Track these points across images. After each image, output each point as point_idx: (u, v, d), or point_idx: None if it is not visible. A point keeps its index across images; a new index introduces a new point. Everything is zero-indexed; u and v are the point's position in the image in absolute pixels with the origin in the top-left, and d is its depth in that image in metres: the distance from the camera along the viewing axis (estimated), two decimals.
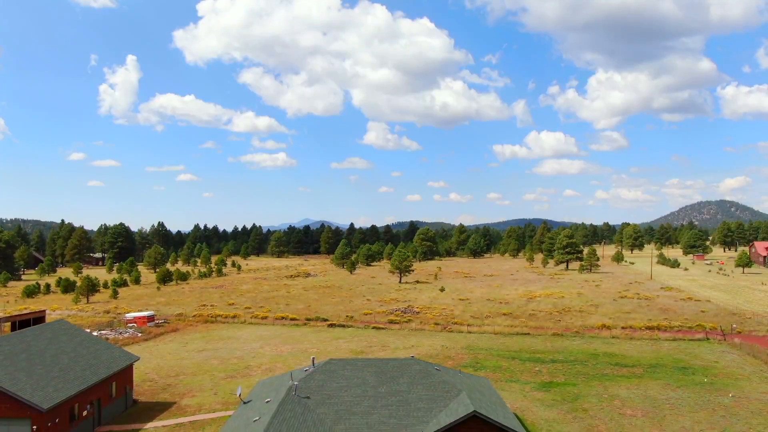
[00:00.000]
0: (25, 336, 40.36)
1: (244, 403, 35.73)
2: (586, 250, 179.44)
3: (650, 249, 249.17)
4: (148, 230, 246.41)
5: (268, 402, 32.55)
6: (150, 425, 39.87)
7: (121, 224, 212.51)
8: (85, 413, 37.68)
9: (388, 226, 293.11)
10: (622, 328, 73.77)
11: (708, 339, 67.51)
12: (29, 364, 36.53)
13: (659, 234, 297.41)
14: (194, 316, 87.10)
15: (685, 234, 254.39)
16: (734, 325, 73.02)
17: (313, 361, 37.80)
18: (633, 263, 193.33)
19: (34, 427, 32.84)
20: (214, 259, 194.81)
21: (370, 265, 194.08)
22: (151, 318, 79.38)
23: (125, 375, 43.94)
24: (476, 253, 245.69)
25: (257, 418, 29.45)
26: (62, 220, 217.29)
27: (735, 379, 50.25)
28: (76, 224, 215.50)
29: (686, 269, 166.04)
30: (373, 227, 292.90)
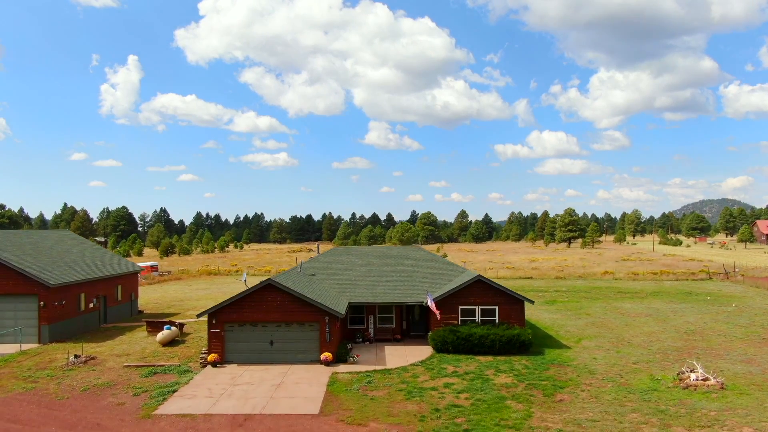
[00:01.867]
0: (31, 234, 40.59)
1: None
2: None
3: (651, 236, 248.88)
4: (150, 215, 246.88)
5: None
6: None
7: (124, 207, 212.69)
8: (91, 305, 37.86)
9: (389, 213, 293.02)
10: (625, 273, 73.82)
11: (711, 278, 67.57)
12: (36, 253, 36.76)
13: (661, 222, 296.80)
14: (198, 270, 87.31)
15: (686, 219, 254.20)
16: (737, 269, 73.07)
17: (318, 247, 38.00)
18: (635, 243, 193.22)
19: (42, 303, 33.00)
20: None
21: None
22: (154, 267, 79.59)
23: (131, 282, 44.14)
24: (478, 239, 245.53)
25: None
26: (64, 204, 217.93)
27: (737, 298, 50.34)
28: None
29: (688, 246, 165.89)
30: (375, 215, 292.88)
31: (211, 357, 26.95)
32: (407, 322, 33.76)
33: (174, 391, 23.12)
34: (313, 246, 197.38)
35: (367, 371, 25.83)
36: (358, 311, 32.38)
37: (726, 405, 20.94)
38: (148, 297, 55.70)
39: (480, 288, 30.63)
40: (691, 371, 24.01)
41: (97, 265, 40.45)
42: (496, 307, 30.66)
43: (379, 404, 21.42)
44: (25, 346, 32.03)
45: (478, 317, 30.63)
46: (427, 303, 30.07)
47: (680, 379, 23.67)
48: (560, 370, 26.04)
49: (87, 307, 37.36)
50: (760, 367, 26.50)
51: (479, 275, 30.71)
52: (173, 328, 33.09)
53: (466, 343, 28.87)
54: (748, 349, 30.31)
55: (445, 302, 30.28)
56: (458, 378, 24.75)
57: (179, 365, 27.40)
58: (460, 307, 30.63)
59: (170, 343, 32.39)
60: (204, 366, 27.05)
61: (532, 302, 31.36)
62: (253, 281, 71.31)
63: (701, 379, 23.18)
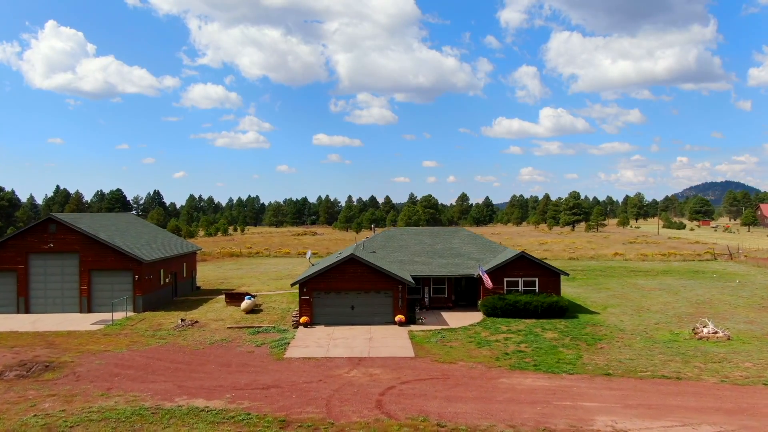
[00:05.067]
0: (107, 216, 46.84)
1: (314, 265, 42.43)
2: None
3: (656, 220, 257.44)
4: (143, 198, 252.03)
5: (340, 254, 39.29)
6: (219, 297, 46.50)
7: (119, 190, 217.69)
8: (167, 280, 44.32)
9: (387, 197, 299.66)
10: (635, 255, 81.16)
11: (716, 259, 75.10)
12: (121, 234, 43.05)
13: (663, 206, 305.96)
14: (219, 252, 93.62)
15: (690, 202, 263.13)
16: (740, 250, 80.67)
17: (373, 229, 44.63)
18: (639, 227, 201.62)
19: (136, 277, 39.42)
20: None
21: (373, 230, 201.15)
22: None
23: (191, 261, 50.60)
24: (479, 222, 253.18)
25: (339, 254, 36.20)
26: (57, 186, 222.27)
27: (740, 276, 57.72)
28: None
29: (692, 229, 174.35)
30: (373, 198, 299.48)
31: (303, 319, 33.61)
32: (455, 293, 40.56)
33: (288, 343, 29.81)
34: (316, 230, 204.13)
35: (436, 329, 32.65)
36: (415, 284, 39.07)
37: (732, 350, 28.01)
38: None
39: (523, 263, 37.47)
40: (704, 327, 31.06)
41: (169, 244, 46.87)
42: (536, 279, 37.55)
43: (458, 351, 28.26)
44: (122, 315, 38.43)
45: (520, 287, 37.50)
46: (478, 274, 36.84)
47: (695, 333, 30.72)
48: (595, 329, 33.02)
49: (165, 282, 43.84)
50: (759, 326, 33.63)
51: (523, 252, 37.57)
52: (252, 299, 39.67)
53: (512, 308, 35.71)
54: (750, 314, 37.49)
55: (492, 275, 37.03)
56: (513, 334, 31.63)
57: (274, 326, 34.05)
58: (505, 279, 37.49)
59: (251, 312, 38.95)
60: (296, 327, 33.71)
61: (567, 275, 38.25)
62: (279, 260, 77.94)
63: (712, 333, 30.22)
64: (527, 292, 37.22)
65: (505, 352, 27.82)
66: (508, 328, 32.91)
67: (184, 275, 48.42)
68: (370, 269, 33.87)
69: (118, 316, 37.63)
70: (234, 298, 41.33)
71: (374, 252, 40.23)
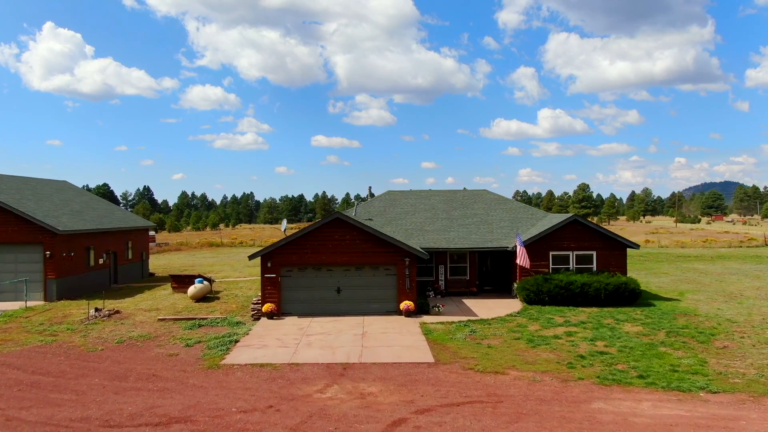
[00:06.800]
0: (29, 180, 36.31)
1: None
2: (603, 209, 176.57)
3: (670, 215, 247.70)
4: (132, 194, 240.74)
5: None
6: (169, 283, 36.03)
7: (105, 185, 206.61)
8: (101, 261, 33.75)
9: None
10: (671, 242, 70.76)
11: (767, 245, 64.69)
12: (37, 199, 32.54)
13: (670, 202, 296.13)
14: (198, 242, 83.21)
15: (701, 197, 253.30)
16: None
17: (369, 190, 34.31)
18: (650, 222, 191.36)
19: (47, 253, 28.86)
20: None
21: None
22: (151, 238, 75.19)
23: (141, 240, 40.06)
24: None
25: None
26: None
27: None
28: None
29: (709, 223, 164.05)
30: (372, 194, 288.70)
31: (267, 307, 23.09)
32: (479, 275, 30.08)
33: (235, 341, 19.29)
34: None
35: (461, 321, 22.14)
36: (426, 261, 28.60)
37: None
38: (154, 264, 51.42)
39: (575, 230, 27.03)
40: None
41: (106, 216, 36.34)
42: (594, 253, 27.09)
43: (503, 353, 17.74)
44: (30, 303, 27.95)
45: (572, 264, 27.06)
46: (514, 246, 26.40)
47: None
48: (691, 319, 22.52)
49: (97, 263, 33.26)
50: None
51: (575, 215, 27.11)
52: (205, 282, 29.13)
53: (564, 292, 25.20)
54: None
55: (533, 247, 26.62)
56: (575, 327, 21.15)
57: (225, 318, 23.55)
58: (551, 253, 27.05)
59: (202, 299, 28.47)
60: (257, 318, 23.21)
61: (638, 247, 27.87)
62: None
63: None
64: (580, 271, 26.76)
65: (579, 355, 17.31)
66: (565, 320, 22.40)
67: (129, 257, 37.82)
68: (365, 235, 23.34)
69: (14, 305, 27.08)
70: (182, 282, 30.77)
71: (371, 219, 29.71)
